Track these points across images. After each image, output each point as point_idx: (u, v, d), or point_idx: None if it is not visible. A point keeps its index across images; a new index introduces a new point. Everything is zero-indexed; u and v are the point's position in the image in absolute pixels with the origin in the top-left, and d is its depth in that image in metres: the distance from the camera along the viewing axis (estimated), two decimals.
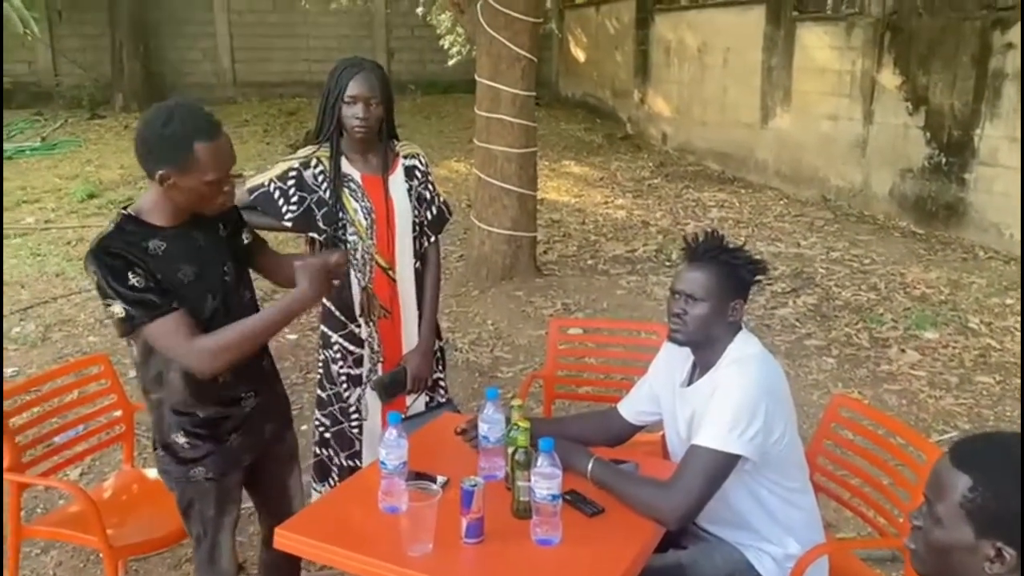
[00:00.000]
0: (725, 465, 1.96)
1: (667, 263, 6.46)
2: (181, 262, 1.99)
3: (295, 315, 2.06)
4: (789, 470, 2.11)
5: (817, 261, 6.39)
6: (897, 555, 2.85)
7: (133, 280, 1.90)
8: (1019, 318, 5.15)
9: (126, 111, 13.13)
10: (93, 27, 13.69)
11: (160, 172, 1.92)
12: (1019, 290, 5.53)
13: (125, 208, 2.01)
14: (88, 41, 13.90)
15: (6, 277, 6.34)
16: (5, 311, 5.66)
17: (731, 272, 2.10)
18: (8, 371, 4.75)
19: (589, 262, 6.55)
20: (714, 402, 2.01)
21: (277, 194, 2.56)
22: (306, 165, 2.60)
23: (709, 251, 2.12)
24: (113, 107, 13.32)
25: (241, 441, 2.18)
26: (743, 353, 2.09)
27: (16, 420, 2.67)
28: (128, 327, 1.94)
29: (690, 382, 2.20)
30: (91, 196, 8.60)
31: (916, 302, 5.52)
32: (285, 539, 1.90)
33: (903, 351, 4.82)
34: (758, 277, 2.17)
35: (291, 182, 2.58)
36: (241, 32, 14.60)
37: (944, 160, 6.88)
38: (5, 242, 7.21)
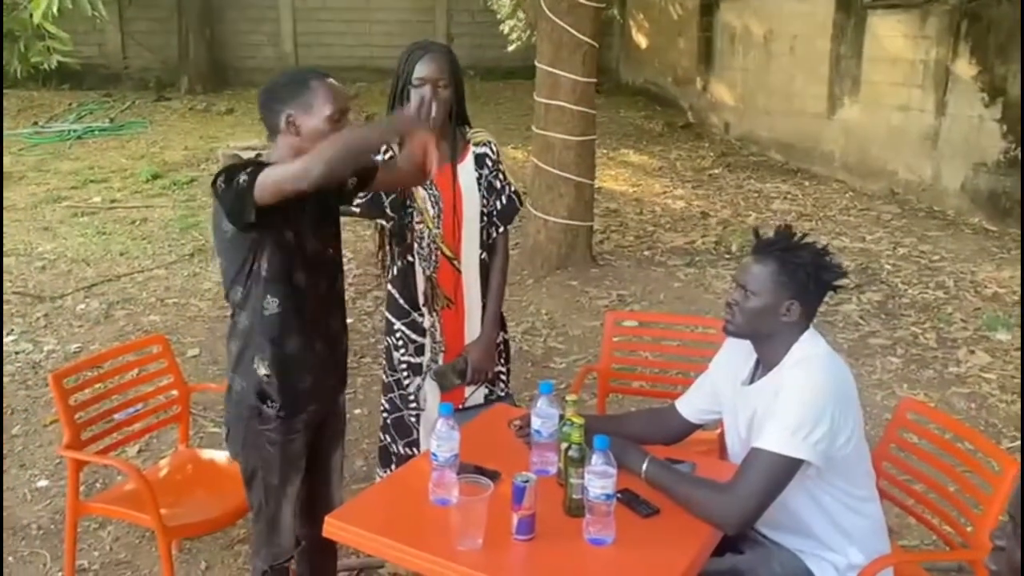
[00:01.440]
0: (787, 470, 1.89)
1: (726, 255, 6.32)
2: (293, 217, 2.09)
3: (384, 135, 2.30)
4: (855, 476, 2.02)
5: (883, 257, 6.20)
6: (964, 567, 2.73)
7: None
8: None
9: (191, 94, 13.35)
10: (161, 11, 13.92)
11: (285, 114, 2.08)
12: None
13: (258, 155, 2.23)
14: (156, 24, 14.14)
15: (72, 254, 6.50)
16: (71, 288, 5.80)
17: (788, 271, 2.00)
18: (72, 347, 4.86)
19: (646, 253, 6.45)
20: (778, 403, 1.94)
21: None
22: (376, 151, 2.57)
23: (770, 245, 2.04)
24: (179, 89, 13.54)
25: (312, 386, 2.22)
26: (809, 353, 2.01)
27: (75, 398, 2.71)
28: (263, 166, 2.01)
29: (752, 380, 2.12)
30: (155, 177, 8.75)
31: (987, 302, 5.31)
32: (334, 527, 1.89)
33: (972, 352, 4.64)
34: (835, 283, 2.04)
35: None
36: (304, 17, 14.70)
37: (1021, 154, 6.60)
38: (73, 220, 7.40)
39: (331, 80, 2.13)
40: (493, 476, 2.02)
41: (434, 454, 1.93)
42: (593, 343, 4.71)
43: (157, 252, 6.59)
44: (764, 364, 2.10)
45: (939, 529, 2.43)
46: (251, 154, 9.06)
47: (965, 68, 7.07)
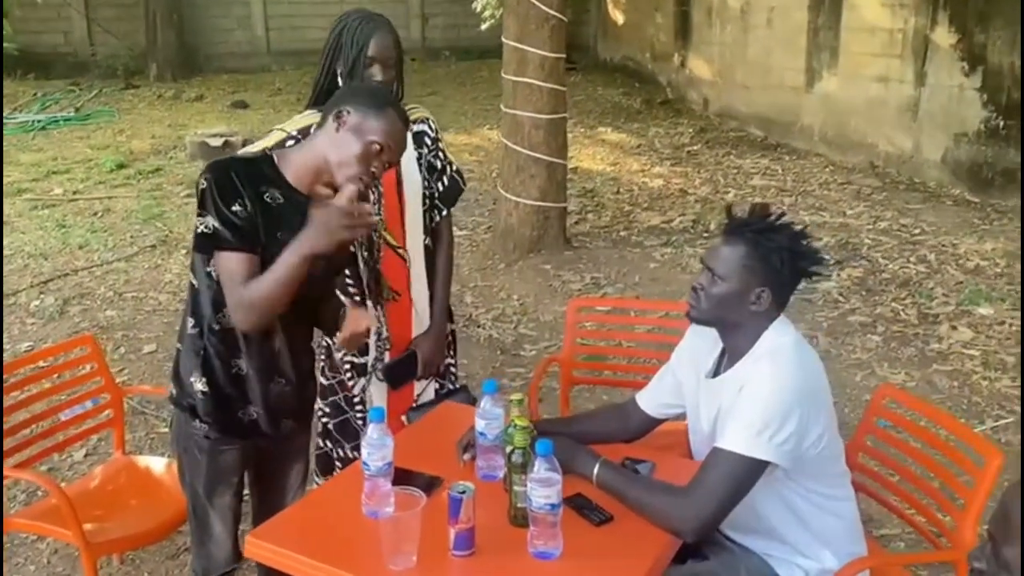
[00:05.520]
0: (751, 472, 1.72)
1: (704, 234, 6.17)
2: (285, 226, 1.88)
3: (302, 262, 1.83)
4: (827, 476, 1.86)
5: (863, 231, 6.05)
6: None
7: (237, 207, 1.84)
8: None
9: (160, 80, 13.05)
10: None
11: (344, 107, 1.91)
12: None
13: (272, 150, 2.02)
14: (123, 11, 13.79)
15: (30, 248, 6.27)
16: (26, 283, 5.59)
17: (760, 255, 1.82)
18: (23, 346, 4.66)
19: (622, 233, 6.29)
20: (742, 399, 1.77)
21: None
22: (305, 133, 2.38)
23: (743, 226, 1.86)
24: (147, 77, 13.23)
25: (257, 420, 2.02)
26: (777, 343, 1.84)
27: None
28: (210, 245, 1.87)
29: (716, 373, 1.96)
30: (120, 167, 8.50)
31: (969, 275, 5.18)
32: (255, 547, 1.72)
33: (955, 328, 4.51)
34: (811, 271, 1.87)
35: None
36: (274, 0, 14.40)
37: (1002, 124, 6.46)
38: (33, 213, 7.16)
39: (403, 128, 1.96)
40: (433, 483, 1.87)
41: (365, 463, 1.76)
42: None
43: (118, 244, 6.38)
44: (730, 355, 1.93)
45: (915, 521, 2.28)
46: (219, 141, 8.88)
47: (944, 37, 6.91)
